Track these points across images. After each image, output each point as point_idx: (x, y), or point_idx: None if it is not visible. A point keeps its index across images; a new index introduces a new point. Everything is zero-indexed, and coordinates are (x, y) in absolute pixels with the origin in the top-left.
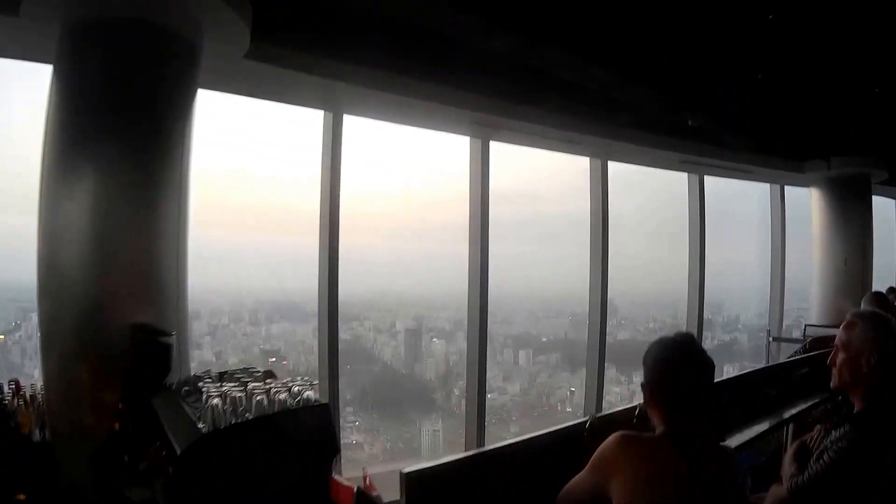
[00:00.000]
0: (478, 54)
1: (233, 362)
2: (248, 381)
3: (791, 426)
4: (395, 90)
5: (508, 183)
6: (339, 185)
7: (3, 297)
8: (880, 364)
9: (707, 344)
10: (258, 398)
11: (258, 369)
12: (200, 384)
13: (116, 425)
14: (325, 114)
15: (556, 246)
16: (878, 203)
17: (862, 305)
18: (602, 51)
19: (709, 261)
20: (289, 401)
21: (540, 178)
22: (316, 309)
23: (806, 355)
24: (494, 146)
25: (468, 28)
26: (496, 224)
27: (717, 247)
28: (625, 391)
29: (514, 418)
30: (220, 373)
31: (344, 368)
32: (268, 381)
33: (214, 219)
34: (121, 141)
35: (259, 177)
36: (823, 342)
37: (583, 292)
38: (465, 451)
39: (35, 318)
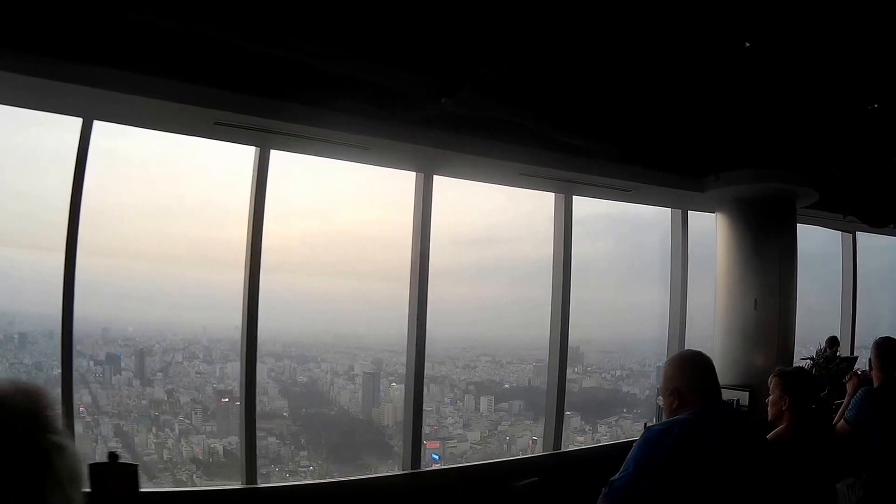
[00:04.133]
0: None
1: (184, 401)
2: None
3: None
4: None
5: (472, 225)
6: (262, 220)
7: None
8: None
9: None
10: None
11: None
12: None
13: None
14: (255, 150)
15: (521, 290)
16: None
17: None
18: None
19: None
20: None
21: (506, 220)
22: (272, 349)
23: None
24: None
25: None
26: (460, 267)
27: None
28: (588, 440)
29: None
30: None
31: (299, 412)
32: None
33: (167, 253)
34: None
35: (191, 210)
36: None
37: (547, 338)
38: None
39: None
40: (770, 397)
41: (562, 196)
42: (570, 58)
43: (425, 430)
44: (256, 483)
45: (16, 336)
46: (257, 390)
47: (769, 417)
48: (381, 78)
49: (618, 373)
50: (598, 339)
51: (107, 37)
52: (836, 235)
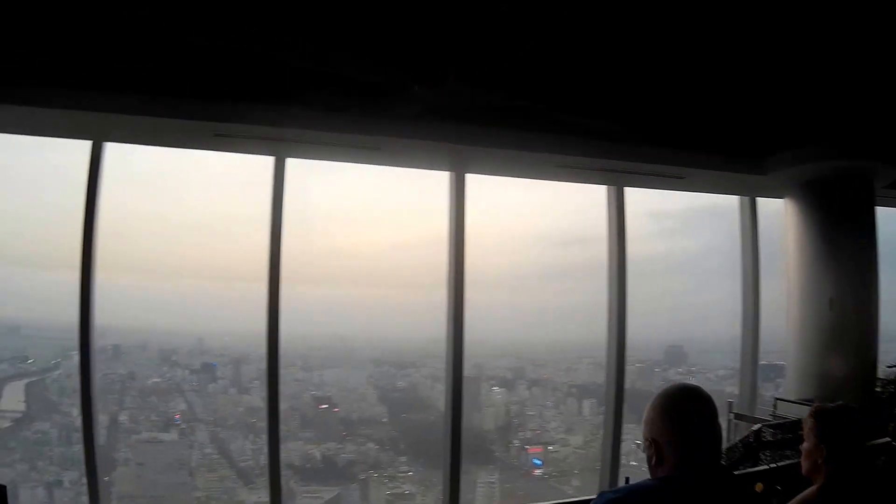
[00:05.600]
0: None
1: (282, 408)
2: None
3: None
4: None
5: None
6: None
7: (43, 336)
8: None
9: None
10: None
11: None
12: None
13: None
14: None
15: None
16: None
17: None
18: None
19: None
20: None
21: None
22: (372, 355)
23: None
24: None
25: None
26: (566, 267)
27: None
28: None
29: (575, 472)
30: None
31: (398, 417)
32: None
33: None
34: None
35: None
36: (791, 428)
37: (651, 339)
38: None
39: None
40: (804, 444)
41: (613, 189)
42: (595, 28)
43: (527, 434)
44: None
45: (109, 348)
46: (355, 396)
47: (803, 471)
48: (366, 73)
49: (721, 372)
50: (699, 338)
51: (108, 62)
52: None
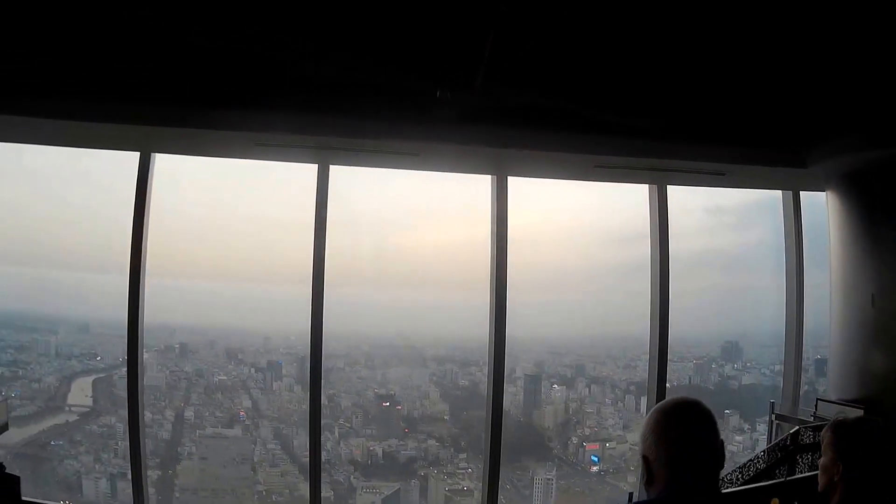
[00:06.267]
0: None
1: (345, 405)
2: None
3: None
4: None
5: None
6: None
7: (112, 335)
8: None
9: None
10: None
11: None
12: None
13: None
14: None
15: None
16: None
17: None
18: None
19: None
20: None
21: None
22: (436, 354)
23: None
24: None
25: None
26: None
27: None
28: (747, 441)
29: (632, 468)
30: None
31: (460, 414)
32: None
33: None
34: None
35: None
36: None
37: (708, 335)
38: None
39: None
40: (822, 458)
41: (654, 187)
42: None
43: (585, 431)
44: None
45: (177, 346)
46: (417, 394)
47: (819, 487)
48: (397, 78)
49: (777, 367)
50: (756, 332)
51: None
52: None
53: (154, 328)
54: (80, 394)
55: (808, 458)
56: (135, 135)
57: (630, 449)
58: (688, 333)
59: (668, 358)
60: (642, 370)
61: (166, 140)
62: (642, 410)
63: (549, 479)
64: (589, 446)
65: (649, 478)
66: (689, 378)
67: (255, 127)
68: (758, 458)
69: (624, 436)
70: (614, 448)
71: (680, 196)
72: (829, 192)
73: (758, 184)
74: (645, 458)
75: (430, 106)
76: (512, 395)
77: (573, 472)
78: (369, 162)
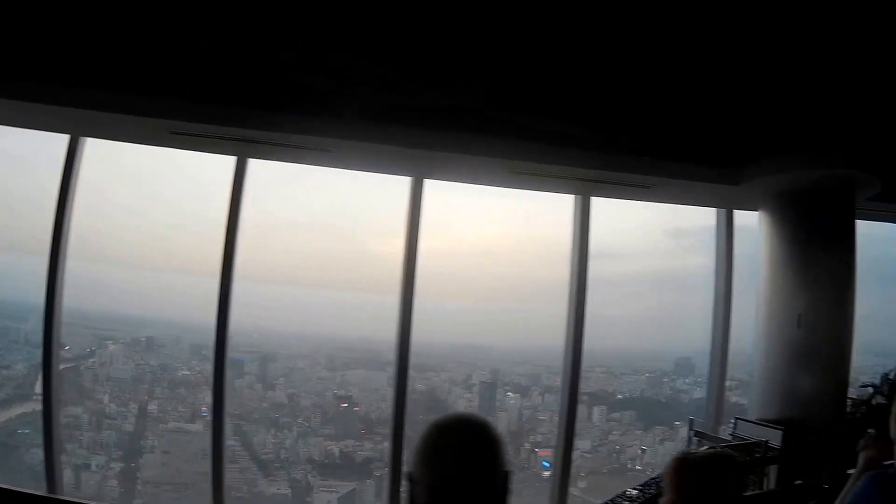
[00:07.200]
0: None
1: (304, 405)
2: None
3: None
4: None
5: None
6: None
7: (80, 325)
8: None
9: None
10: None
11: None
12: None
13: None
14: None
15: (639, 303)
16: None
17: None
18: None
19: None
20: None
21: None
22: (393, 358)
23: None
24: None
25: None
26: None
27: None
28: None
29: (582, 475)
30: None
31: (415, 418)
32: None
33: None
34: None
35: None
36: (747, 450)
37: (661, 349)
38: None
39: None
40: (662, 498)
41: (579, 198)
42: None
43: (537, 437)
44: None
45: (143, 339)
46: (375, 396)
47: None
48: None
49: (728, 383)
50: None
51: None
52: None
53: (121, 320)
54: None
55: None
56: (61, 118)
57: (581, 456)
58: (642, 347)
59: (622, 371)
60: (594, 382)
61: (88, 124)
62: (594, 419)
63: None
64: (541, 452)
65: (411, 499)
66: (641, 390)
67: (170, 115)
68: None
69: (575, 444)
70: None
71: (641, 217)
72: (761, 212)
73: (690, 200)
74: (409, 477)
75: (340, 102)
76: (467, 402)
77: (525, 477)
78: (284, 157)
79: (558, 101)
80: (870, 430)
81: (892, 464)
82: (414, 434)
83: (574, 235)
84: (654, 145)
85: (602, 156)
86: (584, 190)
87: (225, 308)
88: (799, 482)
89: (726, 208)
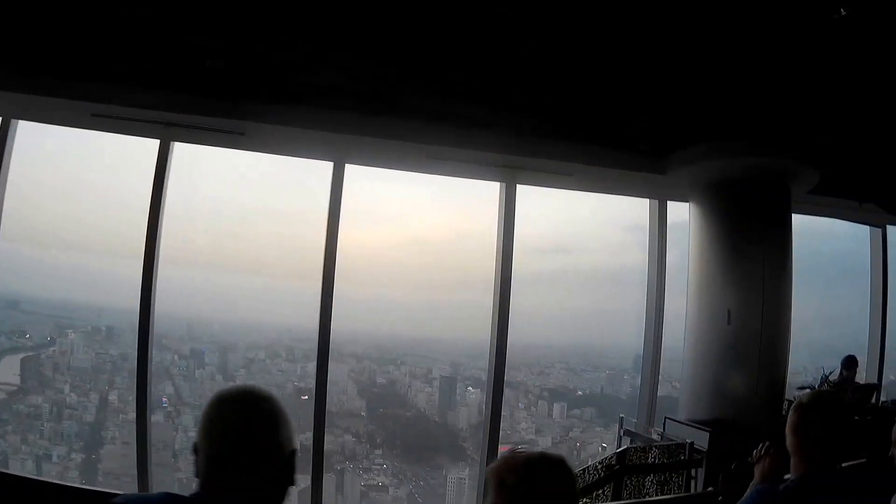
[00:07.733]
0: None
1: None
2: None
3: None
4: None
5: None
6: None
7: (42, 313)
8: None
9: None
10: None
11: None
12: None
13: None
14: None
15: (599, 299)
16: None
17: None
18: None
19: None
20: None
21: (581, 229)
22: (356, 351)
23: None
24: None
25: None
26: (535, 275)
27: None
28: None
29: None
30: None
31: (376, 411)
32: None
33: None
34: None
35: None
36: (672, 452)
37: (622, 346)
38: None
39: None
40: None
41: (504, 186)
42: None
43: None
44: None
45: (104, 328)
46: (336, 389)
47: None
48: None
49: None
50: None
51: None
52: (864, 230)
53: (82, 308)
54: (8, 371)
55: (635, 481)
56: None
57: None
58: (604, 345)
59: (582, 368)
60: (555, 377)
61: (19, 106)
62: (555, 415)
63: (461, 479)
64: (502, 448)
65: (196, 470)
66: (601, 387)
67: (92, 97)
68: (595, 467)
69: (536, 440)
70: (526, 451)
71: (604, 213)
72: (691, 203)
73: (619, 190)
74: (194, 448)
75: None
76: (428, 396)
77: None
78: (204, 140)
79: (469, 83)
80: (765, 442)
81: (788, 477)
82: (375, 427)
83: (499, 223)
84: (573, 130)
85: (517, 141)
86: (507, 177)
87: (148, 294)
88: (701, 490)
89: (657, 199)
